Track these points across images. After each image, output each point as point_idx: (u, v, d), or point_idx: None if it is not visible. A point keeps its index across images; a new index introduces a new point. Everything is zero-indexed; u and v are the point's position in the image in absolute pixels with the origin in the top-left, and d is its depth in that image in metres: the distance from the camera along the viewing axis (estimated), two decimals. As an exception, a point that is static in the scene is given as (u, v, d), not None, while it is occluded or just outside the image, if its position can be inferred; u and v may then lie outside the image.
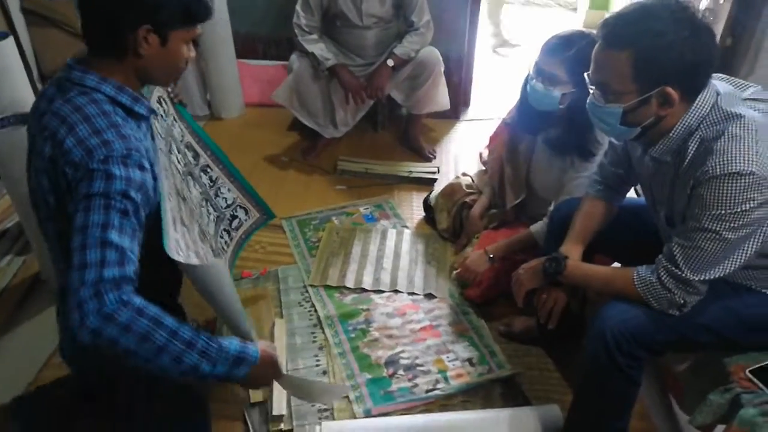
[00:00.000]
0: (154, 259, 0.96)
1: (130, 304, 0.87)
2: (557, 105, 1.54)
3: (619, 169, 1.38)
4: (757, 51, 2.21)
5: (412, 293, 1.89)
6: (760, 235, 1.08)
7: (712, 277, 1.10)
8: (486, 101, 3.18)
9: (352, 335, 1.73)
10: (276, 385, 1.49)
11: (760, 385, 1.13)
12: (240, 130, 2.90)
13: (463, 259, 1.85)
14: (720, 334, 1.18)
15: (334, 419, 1.48)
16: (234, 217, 1.71)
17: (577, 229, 1.39)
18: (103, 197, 0.92)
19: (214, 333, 1.53)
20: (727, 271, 1.09)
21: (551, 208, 1.66)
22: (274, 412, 1.47)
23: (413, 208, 2.34)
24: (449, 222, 2.10)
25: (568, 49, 1.49)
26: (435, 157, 2.67)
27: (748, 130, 1.03)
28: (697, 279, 1.09)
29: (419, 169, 2.55)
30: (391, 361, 1.64)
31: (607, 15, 1.07)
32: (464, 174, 2.23)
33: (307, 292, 1.90)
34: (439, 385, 1.57)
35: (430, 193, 2.23)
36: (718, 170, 1.02)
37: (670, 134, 1.10)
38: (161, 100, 1.46)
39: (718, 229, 1.04)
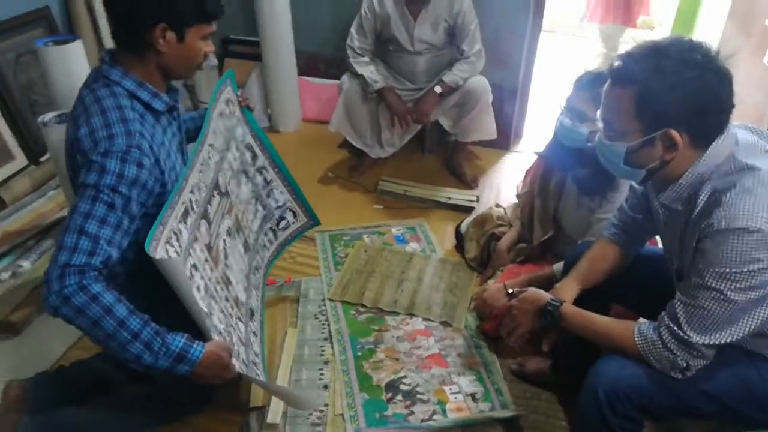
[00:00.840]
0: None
1: (87, 290, 0.94)
2: (584, 142, 1.50)
3: (638, 215, 1.31)
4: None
5: (427, 319, 1.87)
6: None
7: (717, 342, 1.01)
8: (541, 134, 3.10)
9: (359, 353, 1.73)
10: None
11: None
12: (294, 144, 3.01)
13: (483, 291, 1.82)
14: (725, 406, 1.07)
15: (325, 434, 1.48)
16: (282, 218, 1.86)
17: (581, 268, 1.33)
18: (93, 189, 1.00)
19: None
20: (735, 337, 1.00)
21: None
22: (269, 420, 1.51)
23: (446, 234, 2.32)
24: (477, 252, 2.07)
25: (598, 86, 1.44)
26: (477, 186, 2.65)
27: (762, 184, 0.95)
28: (701, 342, 1.00)
29: (459, 196, 2.53)
30: (392, 385, 1.62)
31: (690, 36, 1.01)
32: (498, 205, 2.19)
33: (324, 305, 1.93)
34: (435, 417, 1.53)
35: (463, 220, 2.21)
36: (723, 224, 0.95)
37: (679, 181, 1.04)
38: (229, 102, 1.56)
39: (722, 288, 0.96)
